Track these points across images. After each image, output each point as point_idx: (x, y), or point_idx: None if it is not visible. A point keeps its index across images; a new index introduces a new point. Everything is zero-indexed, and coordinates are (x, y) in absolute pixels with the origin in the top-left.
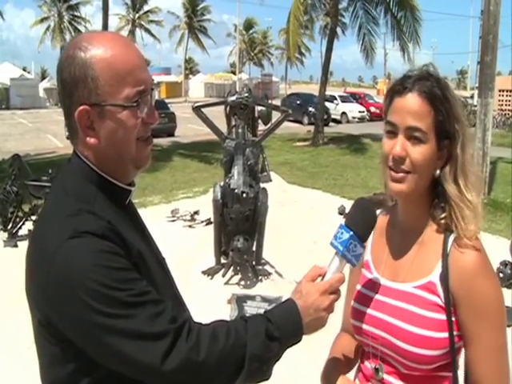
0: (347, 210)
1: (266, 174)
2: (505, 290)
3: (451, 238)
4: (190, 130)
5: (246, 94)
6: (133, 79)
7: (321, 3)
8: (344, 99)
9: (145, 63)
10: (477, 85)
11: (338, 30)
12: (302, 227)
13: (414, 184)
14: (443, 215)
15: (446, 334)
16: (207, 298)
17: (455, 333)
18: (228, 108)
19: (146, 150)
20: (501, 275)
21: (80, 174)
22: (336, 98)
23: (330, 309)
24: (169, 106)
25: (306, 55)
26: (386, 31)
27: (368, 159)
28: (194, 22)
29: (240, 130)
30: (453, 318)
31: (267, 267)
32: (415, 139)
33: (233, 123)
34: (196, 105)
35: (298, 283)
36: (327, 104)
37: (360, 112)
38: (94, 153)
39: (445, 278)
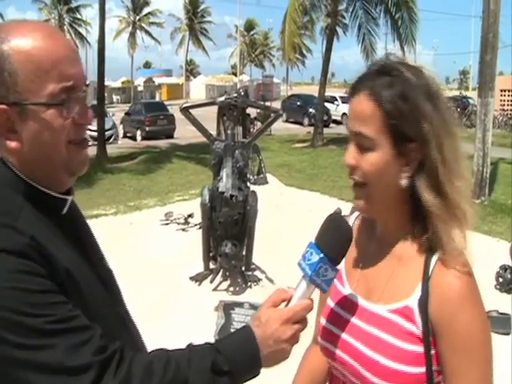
0: (343, 213)
1: (262, 176)
2: (504, 296)
3: (434, 257)
4: (189, 131)
5: (235, 95)
6: (58, 74)
7: (321, 4)
8: (345, 100)
9: (76, 56)
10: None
11: (339, 30)
12: (298, 231)
13: (374, 198)
14: (426, 235)
15: (422, 369)
16: (194, 305)
17: (434, 367)
18: (218, 109)
19: (79, 154)
20: (500, 280)
21: (4, 182)
22: (337, 99)
23: (293, 340)
24: (169, 107)
25: (307, 56)
26: (386, 31)
27: None
28: (195, 24)
29: (229, 132)
30: (432, 351)
31: (257, 273)
32: (364, 147)
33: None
34: (184, 105)
35: (258, 308)
36: (328, 105)
37: None
38: (18, 158)
39: (424, 304)
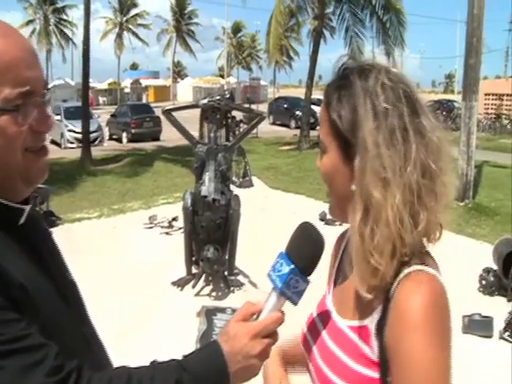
0: (329, 216)
1: (247, 178)
2: (487, 298)
3: (401, 275)
4: (175, 134)
5: (218, 97)
6: (13, 77)
7: (307, 6)
8: None
9: (34, 58)
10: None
11: (327, 33)
12: (283, 234)
13: (334, 203)
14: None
15: None
16: (176, 311)
17: None
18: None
19: (37, 162)
20: (483, 282)
21: None
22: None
23: (263, 355)
24: (155, 109)
25: (294, 59)
26: (371, 35)
27: None
28: (182, 26)
29: (212, 135)
30: (389, 378)
31: (240, 277)
32: (321, 149)
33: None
34: (166, 108)
35: (226, 323)
36: (315, 107)
37: None
38: None
39: (381, 327)
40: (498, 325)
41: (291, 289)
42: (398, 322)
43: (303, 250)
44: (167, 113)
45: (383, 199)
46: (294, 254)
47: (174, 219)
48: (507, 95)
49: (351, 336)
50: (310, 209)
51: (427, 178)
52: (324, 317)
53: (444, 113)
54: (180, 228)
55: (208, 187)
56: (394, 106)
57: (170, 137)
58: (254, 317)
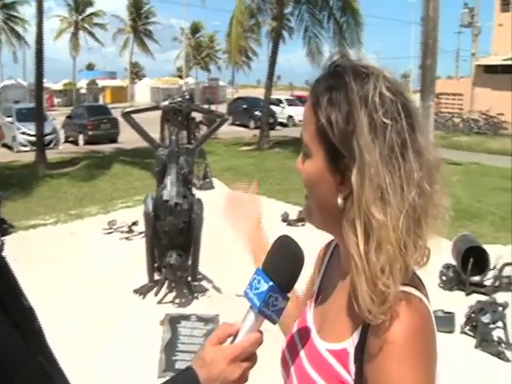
0: (291, 217)
1: (208, 180)
2: (447, 294)
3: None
4: (134, 135)
5: (180, 99)
6: None
7: (267, 7)
8: (291, 102)
9: None
10: (419, 88)
11: (285, 33)
12: None
13: (312, 211)
14: None
15: None
16: (139, 320)
17: None
18: (161, 113)
19: None
20: (443, 278)
21: None
22: (282, 102)
23: (242, 380)
24: (113, 111)
25: (253, 59)
26: (331, 35)
27: None
28: (139, 26)
29: (173, 137)
30: None
31: (204, 283)
32: (304, 152)
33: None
34: (126, 110)
35: (200, 348)
36: (274, 108)
37: None
38: None
39: (360, 351)
40: (458, 319)
41: (270, 307)
42: (381, 347)
43: (282, 266)
44: (127, 115)
45: (385, 220)
46: (272, 269)
47: (134, 224)
48: (458, 95)
49: (331, 361)
50: (272, 210)
51: (422, 200)
52: (303, 335)
53: None
54: (141, 233)
55: (170, 191)
56: (394, 120)
57: (128, 138)
58: (231, 339)
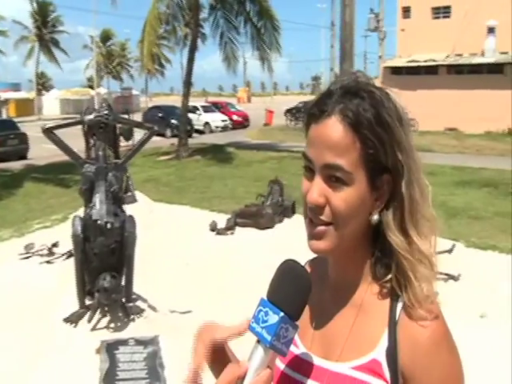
0: (219, 225)
1: (130, 194)
2: None
3: (399, 302)
4: (45, 150)
5: (106, 112)
6: None
7: (180, 14)
8: (206, 109)
9: None
10: None
11: (198, 40)
12: (173, 249)
13: (338, 239)
14: (388, 277)
15: None
16: (72, 351)
17: None
18: (86, 127)
19: None
20: None
21: None
22: (198, 109)
23: None
24: (20, 125)
25: (166, 67)
26: (245, 41)
27: (234, 168)
28: (45, 34)
29: (100, 153)
30: None
31: (139, 303)
32: (336, 181)
33: (92, 144)
34: (47, 126)
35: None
36: (190, 115)
37: (223, 121)
38: None
39: (393, 355)
40: None
41: (281, 339)
42: (418, 346)
43: (291, 293)
44: (49, 132)
45: (429, 215)
46: (279, 299)
47: (55, 245)
48: None
49: (358, 376)
50: (197, 219)
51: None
52: (305, 369)
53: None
54: (63, 254)
55: (99, 210)
56: (408, 125)
57: (40, 154)
58: (239, 382)
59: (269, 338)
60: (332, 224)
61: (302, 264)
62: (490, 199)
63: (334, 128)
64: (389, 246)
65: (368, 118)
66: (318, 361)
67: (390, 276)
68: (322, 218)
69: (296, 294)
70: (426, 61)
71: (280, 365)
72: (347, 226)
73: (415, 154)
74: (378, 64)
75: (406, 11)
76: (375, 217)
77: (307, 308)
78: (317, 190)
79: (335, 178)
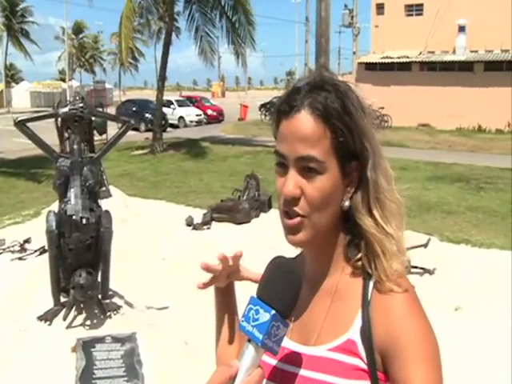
0: (196, 221)
1: (105, 188)
2: None
3: (371, 281)
4: (15, 144)
5: (81, 105)
6: None
7: (154, 6)
8: (181, 103)
9: None
10: None
11: (172, 33)
12: (148, 244)
13: (314, 229)
14: (359, 255)
15: None
16: (46, 350)
17: None
18: (60, 121)
19: None
20: None
21: None
22: (173, 103)
23: None
24: None
25: (139, 60)
26: (219, 35)
27: (209, 163)
28: (14, 25)
29: (75, 146)
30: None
31: (116, 299)
32: (310, 171)
33: (66, 138)
34: (19, 119)
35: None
36: (164, 109)
37: (197, 115)
38: None
39: (367, 332)
40: None
41: (272, 338)
42: (390, 320)
43: (282, 290)
44: (21, 125)
45: (393, 197)
46: (270, 296)
47: (27, 241)
48: None
49: (334, 356)
50: (173, 214)
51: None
52: (286, 356)
53: None
54: (35, 251)
55: (74, 205)
56: (370, 114)
57: (9, 148)
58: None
59: (260, 336)
60: (307, 216)
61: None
62: (462, 194)
63: (304, 121)
64: (358, 229)
65: (336, 108)
66: (295, 347)
67: (360, 255)
68: (297, 209)
69: (287, 291)
70: (399, 57)
71: (268, 361)
72: (322, 215)
73: (377, 140)
74: (352, 60)
75: (380, 8)
76: (346, 203)
77: None
78: (292, 182)
79: (309, 168)
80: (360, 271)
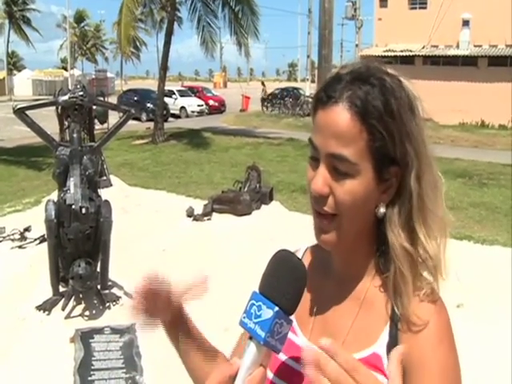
0: (196, 212)
1: (105, 178)
2: None
3: (402, 295)
4: (16, 132)
5: (81, 93)
6: None
7: None
8: (182, 93)
9: None
10: (307, 77)
11: (174, 23)
12: (149, 234)
13: (344, 231)
14: (391, 270)
15: None
16: (45, 340)
17: None
18: (60, 109)
19: None
20: None
21: None
22: (174, 93)
23: None
24: None
25: (142, 50)
26: (222, 25)
27: (211, 154)
28: (16, 12)
29: (75, 135)
30: None
31: (115, 290)
32: (341, 172)
33: (66, 127)
34: (18, 106)
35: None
36: (166, 99)
37: (199, 106)
38: None
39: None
40: None
41: (275, 335)
42: (419, 340)
43: (286, 286)
44: (20, 112)
45: (439, 212)
46: (273, 292)
47: (27, 230)
48: None
49: None
50: (173, 205)
51: None
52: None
53: (291, 100)
54: (36, 239)
55: (74, 194)
56: (420, 115)
57: (9, 136)
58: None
59: (262, 334)
60: (337, 215)
61: (302, 249)
62: (465, 190)
63: (341, 116)
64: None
65: (377, 106)
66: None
67: (392, 270)
68: (326, 208)
69: (291, 287)
70: (402, 51)
71: (280, 355)
72: (352, 218)
73: (427, 146)
74: (354, 52)
75: (383, 0)
76: (381, 210)
77: (307, 294)
78: (321, 179)
79: (340, 168)
80: (390, 284)
